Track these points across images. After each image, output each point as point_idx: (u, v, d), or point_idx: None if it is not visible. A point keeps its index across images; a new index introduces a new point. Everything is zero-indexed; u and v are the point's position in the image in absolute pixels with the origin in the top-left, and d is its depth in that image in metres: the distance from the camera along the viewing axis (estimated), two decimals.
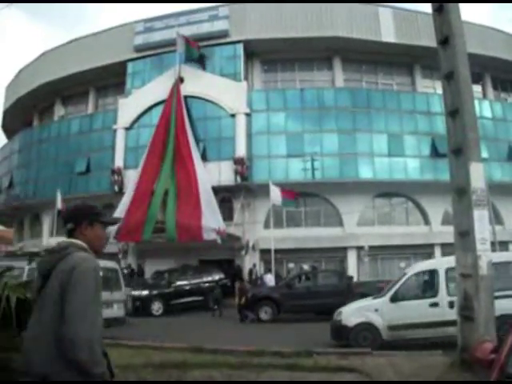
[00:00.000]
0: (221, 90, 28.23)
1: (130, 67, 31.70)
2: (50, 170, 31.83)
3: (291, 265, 27.57)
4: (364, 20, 29.58)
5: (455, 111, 7.59)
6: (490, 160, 26.67)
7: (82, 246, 2.71)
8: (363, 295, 14.31)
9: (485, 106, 30.45)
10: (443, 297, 10.40)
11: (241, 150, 27.33)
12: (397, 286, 11.24)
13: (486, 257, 6.95)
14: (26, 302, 4.13)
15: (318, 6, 29.26)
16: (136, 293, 20.44)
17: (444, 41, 7.80)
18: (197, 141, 27.54)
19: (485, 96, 33.03)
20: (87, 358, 2.37)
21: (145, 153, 27.35)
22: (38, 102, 37.58)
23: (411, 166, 28.06)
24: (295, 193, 25.22)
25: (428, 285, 11.25)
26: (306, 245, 26.67)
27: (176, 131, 27.11)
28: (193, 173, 25.90)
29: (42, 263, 2.74)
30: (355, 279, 23.20)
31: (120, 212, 26.18)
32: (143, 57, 31.46)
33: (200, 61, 29.62)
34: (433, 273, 11.06)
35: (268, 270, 24.13)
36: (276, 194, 23.70)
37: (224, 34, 29.75)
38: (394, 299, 10.92)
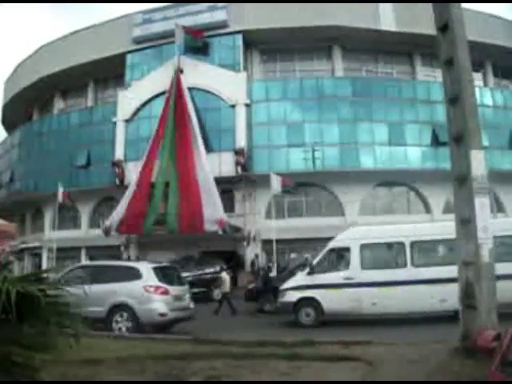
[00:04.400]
0: (220, 80, 28.15)
1: (129, 59, 31.60)
2: (50, 164, 31.81)
3: (293, 255, 27.55)
4: (363, 9, 29.35)
5: (455, 98, 7.53)
6: (491, 148, 26.53)
7: None
8: None
9: (486, 93, 30.31)
10: None
11: (241, 141, 27.30)
12: None
13: (488, 245, 6.93)
14: (25, 295, 4.12)
15: None
16: None
17: (443, 27, 7.72)
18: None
19: (486, 84, 32.88)
20: None
21: (148, 145, 27.34)
22: (37, 96, 37.50)
23: (412, 155, 28.00)
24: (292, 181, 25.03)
25: None
26: (307, 235, 26.65)
27: (176, 123, 27.06)
28: (192, 164, 25.89)
29: None
30: None
31: (122, 205, 26.28)
32: (142, 48, 31.38)
33: (202, 49, 29.40)
34: None
35: (269, 261, 24.19)
36: (277, 184, 23.64)
37: (223, 24, 29.61)
38: None
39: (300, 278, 14.19)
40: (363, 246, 13.83)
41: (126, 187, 27.27)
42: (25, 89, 36.30)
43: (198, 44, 29.04)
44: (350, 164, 27.26)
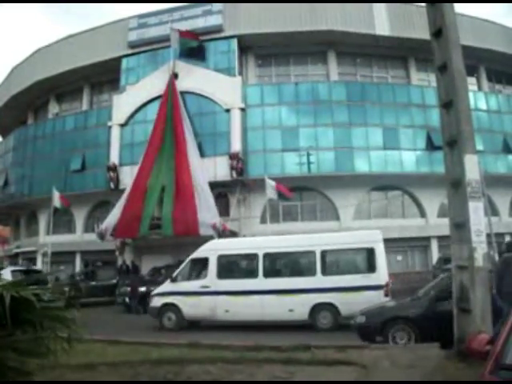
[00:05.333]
0: (215, 85, 28.12)
1: (125, 63, 31.53)
2: (45, 168, 31.69)
3: None
4: (358, 13, 29.47)
5: (449, 103, 7.58)
6: (486, 152, 26.71)
7: None
8: None
9: (479, 98, 30.46)
10: None
11: (236, 145, 27.26)
12: None
13: (482, 249, 6.96)
14: (20, 300, 4.10)
15: None
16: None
17: (437, 32, 7.77)
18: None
19: (479, 88, 33.03)
20: None
21: (144, 149, 27.30)
22: (32, 100, 37.39)
23: (407, 159, 28.07)
24: (290, 191, 24.98)
25: None
26: None
27: (174, 127, 27.08)
28: (187, 168, 25.90)
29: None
30: None
31: (117, 208, 26.20)
32: (137, 53, 31.30)
33: (198, 52, 29.34)
34: None
35: None
36: (272, 189, 23.63)
37: (218, 28, 29.62)
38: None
39: (165, 285, 15.37)
40: (220, 257, 14.71)
41: (121, 191, 27.16)
42: (20, 93, 36.18)
43: (194, 45, 28.88)
44: (345, 168, 27.28)
